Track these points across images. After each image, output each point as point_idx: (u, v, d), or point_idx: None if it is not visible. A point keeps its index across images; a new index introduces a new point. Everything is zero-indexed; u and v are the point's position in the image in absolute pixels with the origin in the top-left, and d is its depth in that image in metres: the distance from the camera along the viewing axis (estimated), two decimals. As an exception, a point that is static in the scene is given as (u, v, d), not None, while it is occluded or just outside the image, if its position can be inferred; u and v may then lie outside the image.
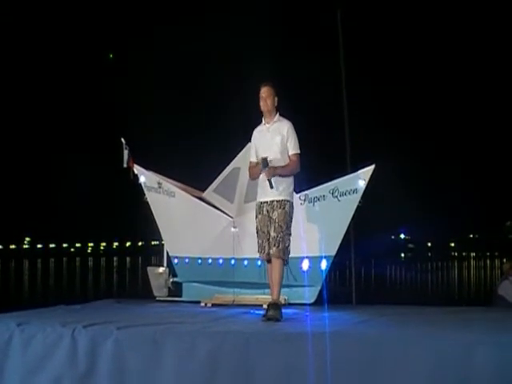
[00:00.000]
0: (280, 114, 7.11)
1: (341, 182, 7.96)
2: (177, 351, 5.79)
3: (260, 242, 6.98)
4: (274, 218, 6.85)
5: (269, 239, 6.85)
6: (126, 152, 8.89)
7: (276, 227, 6.82)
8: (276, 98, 7.05)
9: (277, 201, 6.88)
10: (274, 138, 6.97)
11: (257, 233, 7.03)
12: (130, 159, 8.92)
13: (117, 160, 8.95)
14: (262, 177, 6.97)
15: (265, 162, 6.86)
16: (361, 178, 7.85)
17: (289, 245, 6.88)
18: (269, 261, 6.96)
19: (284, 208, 6.87)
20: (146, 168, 9.09)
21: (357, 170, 7.97)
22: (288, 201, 6.92)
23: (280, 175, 6.88)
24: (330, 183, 8.00)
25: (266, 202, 6.94)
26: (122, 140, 8.90)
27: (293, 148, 6.98)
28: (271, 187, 6.83)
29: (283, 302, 7.95)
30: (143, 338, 5.92)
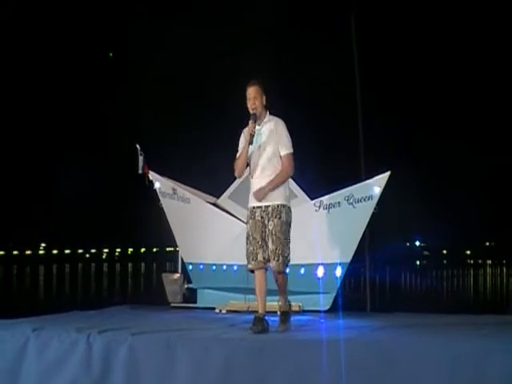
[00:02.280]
0: (270, 113, 6.73)
1: (356, 189, 7.94)
2: (191, 358, 5.79)
3: (251, 249, 6.57)
4: (271, 228, 6.49)
5: (263, 246, 6.52)
6: (140, 158, 8.92)
7: (274, 240, 6.47)
8: (265, 97, 6.67)
9: (272, 207, 6.53)
10: (265, 141, 6.59)
11: (247, 239, 6.64)
12: (144, 165, 8.95)
13: (132, 165, 8.98)
14: (253, 180, 6.66)
15: (254, 115, 6.56)
16: (376, 185, 7.83)
17: (288, 254, 6.56)
18: (252, 271, 6.63)
19: (280, 217, 6.50)
20: (161, 174, 9.11)
21: (372, 176, 7.96)
22: (284, 206, 6.55)
23: (274, 188, 6.53)
24: (345, 190, 7.98)
25: (260, 208, 6.56)
26: (137, 146, 8.93)
27: (285, 147, 6.57)
28: (251, 143, 6.47)
29: (298, 308, 7.94)
30: (157, 344, 5.92)
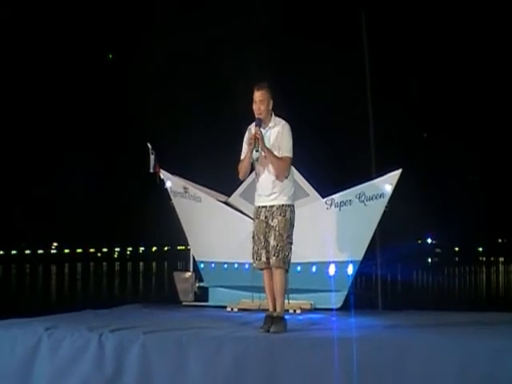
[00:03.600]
0: (276, 115, 6.68)
1: (367, 187, 7.92)
2: (203, 356, 5.80)
3: (255, 248, 6.60)
4: (274, 225, 6.48)
5: (266, 247, 6.51)
6: (152, 157, 8.93)
7: (276, 236, 6.45)
8: (271, 102, 6.61)
9: (276, 207, 6.52)
10: (270, 145, 6.53)
11: (252, 238, 6.67)
12: (156, 164, 8.96)
13: (144, 164, 9.00)
14: (259, 180, 6.65)
15: (259, 120, 6.52)
16: (387, 183, 7.81)
17: (289, 253, 6.50)
18: (262, 269, 6.61)
19: (284, 215, 6.49)
20: (172, 173, 9.13)
21: (383, 174, 7.94)
22: (289, 205, 6.54)
23: (271, 160, 6.45)
24: (356, 188, 7.97)
25: (265, 207, 6.56)
26: (149, 145, 8.94)
27: (283, 150, 6.52)
28: (257, 150, 6.43)
29: (309, 307, 7.94)
30: (169, 343, 5.93)
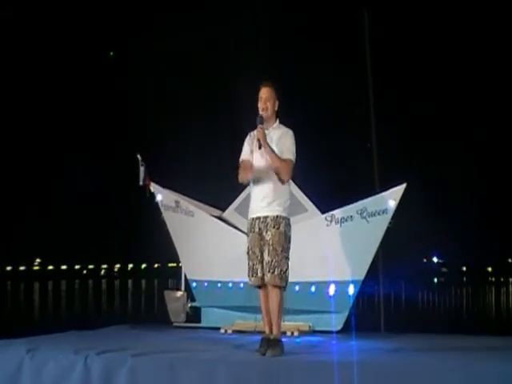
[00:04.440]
0: (280, 122, 6.72)
1: (369, 202, 7.94)
2: (195, 381, 5.79)
3: (250, 264, 6.55)
4: (268, 239, 6.43)
5: (262, 262, 6.48)
6: (142, 169, 8.95)
7: (270, 250, 6.40)
8: (277, 102, 6.67)
9: (271, 218, 6.47)
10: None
11: (247, 254, 6.61)
12: (146, 177, 8.98)
13: (132, 176, 9.02)
14: (254, 190, 6.65)
15: (261, 118, 6.54)
16: (391, 198, 7.83)
17: (287, 269, 6.45)
18: (259, 286, 6.57)
19: (279, 227, 6.45)
20: (163, 186, 9.14)
21: (386, 189, 7.96)
22: (284, 218, 6.49)
23: (272, 160, 6.43)
24: (358, 203, 7.99)
25: (259, 219, 6.52)
26: (138, 156, 8.96)
27: (287, 153, 6.51)
28: (259, 148, 6.42)
29: (308, 329, 7.94)
30: (160, 367, 5.93)
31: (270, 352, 6.24)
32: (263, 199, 6.56)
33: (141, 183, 8.97)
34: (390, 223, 7.81)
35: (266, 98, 6.63)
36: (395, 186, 7.87)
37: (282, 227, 6.48)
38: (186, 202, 9.02)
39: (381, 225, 7.83)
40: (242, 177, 6.71)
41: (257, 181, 6.64)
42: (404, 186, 7.82)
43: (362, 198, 8.02)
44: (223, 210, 9.04)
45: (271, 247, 6.43)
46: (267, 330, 6.51)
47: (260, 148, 6.46)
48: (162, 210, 9.06)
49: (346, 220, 7.96)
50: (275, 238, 6.44)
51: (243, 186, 8.54)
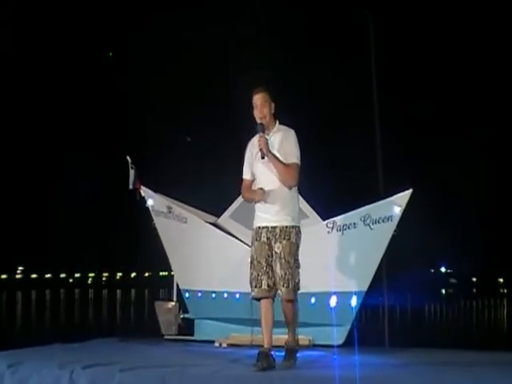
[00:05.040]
0: (280, 123, 6.73)
1: (373, 209, 7.96)
2: (187, 397, 5.79)
3: (255, 274, 6.55)
4: (278, 251, 6.47)
5: (268, 272, 6.49)
6: (132, 172, 8.95)
7: (283, 263, 6.43)
8: (273, 105, 6.67)
9: (280, 228, 6.51)
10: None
11: (251, 263, 6.60)
12: (136, 180, 8.98)
13: (121, 180, 9.02)
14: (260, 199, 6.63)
15: (261, 126, 6.55)
16: (396, 204, 7.84)
17: (299, 280, 6.53)
18: (258, 299, 6.59)
19: (289, 238, 6.49)
20: (155, 190, 9.15)
21: (391, 194, 7.97)
22: (293, 227, 6.54)
23: (276, 167, 6.46)
24: (361, 209, 8.00)
25: (266, 228, 6.55)
26: (128, 158, 8.97)
27: (292, 156, 6.54)
28: (262, 157, 6.45)
29: (307, 343, 7.94)
30: (150, 382, 5.92)
31: (285, 363, 6.39)
32: (270, 208, 6.59)
33: (131, 187, 8.98)
34: (395, 231, 7.82)
35: (261, 105, 6.65)
36: (401, 191, 7.88)
37: (292, 237, 6.53)
38: (179, 208, 9.02)
39: (385, 232, 7.84)
40: (246, 199, 6.93)
41: (262, 186, 6.64)
42: (410, 191, 7.83)
43: (365, 204, 8.03)
44: (218, 216, 9.05)
45: (283, 260, 6.47)
46: (266, 344, 6.51)
47: (263, 158, 6.50)
48: (154, 215, 9.06)
49: (349, 227, 7.97)
50: (286, 249, 6.49)
51: (238, 191, 8.57)
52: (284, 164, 6.51)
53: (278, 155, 6.54)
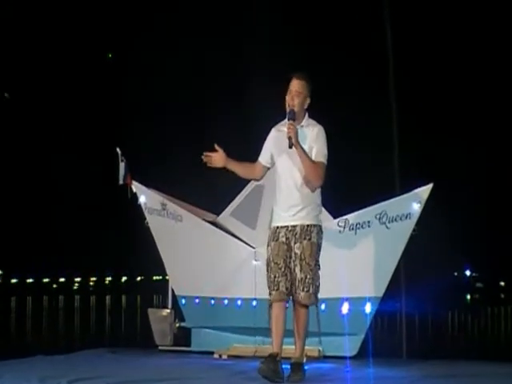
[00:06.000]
0: (309, 117, 6.79)
1: (390, 205, 7.97)
2: (183, 414, 5.82)
3: (272, 276, 6.57)
4: (299, 252, 6.53)
5: (287, 274, 6.52)
6: (122, 165, 8.95)
7: (303, 266, 6.50)
8: (308, 100, 6.71)
9: (300, 227, 6.58)
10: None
11: (267, 265, 6.64)
12: (127, 174, 8.98)
13: (111, 175, 9.03)
14: (280, 196, 6.71)
15: (292, 113, 6.56)
16: (415, 200, 7.85)
17: (319, 283, 6.60)
18: (270, 303, 6.59)
19: (310, 238, 6.54)
20: (148, 185, 9.15)
21: (410, 189, 7.98)
22: (315, 225, 6.62)
23: (304, 163, 6.48)
24: (376, 206, 8.02)
25: (286, 228, 6.60)
26: (118, 150, 8.98)
27: (320, 155, 6.61)
28: (290, 147, 6.44)
29: (317, 354, 7.96)
30: (142, 398, 5.95)
31: (293, 377, 6.42)
32: (291, 207, 6.63)
33: (121, 182, 8.99)
34: (414, 230, 7.83)
35: (295, 93, 6.67)
36: (420, 185, 7.89)
37: (313, 237, 6.59)
38: (174, 205, 9.03)
39: (403, 232, 7.85)
40: (247, 173, 7.00)
41: (282, 183, 6.70)
42: (430, 186, 7.84)
43: (381, 201, 8.04)
44: (217, 213, 9.05)
45: (303, 262, 6.53)
46: (275, 348, 6.51)
47: (291, 147, 6.50)
48: (146, 213, 9.08)
49: (362, 226, 7.99)
50: (307, 251, 6.55)
51: (241, 187, 8.58)
52: (312, 161, 6.54)
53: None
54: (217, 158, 6.76)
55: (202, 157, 6.76)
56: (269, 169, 6.89)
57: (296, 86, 6.68)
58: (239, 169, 6.90)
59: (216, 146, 6.71)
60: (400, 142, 8.82)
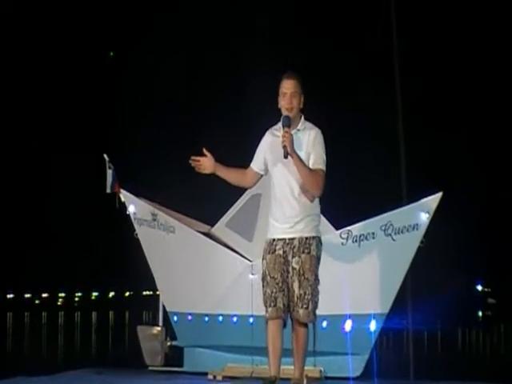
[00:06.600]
0: (305, 119, 6.69)
1: (396, 216, 7.97)
2: None
3: (268, 291, 6.49)
4: (297, 267, 6.44)
5: (284, 289, 6.46)
6: (109, 172, 8.95)
7: (302, 281, 6.42)
8: (303, 98, 6.63)
9: (298, 240, 6.50)
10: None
11: (263, 280, 6.55)
12: (115, 182, 8.98)
13: (98, 183, 9.04)
14: (276, 207, 6.65)
15: (287, 119, 6.47)
16: (423, 210, 7.86)
17: (318, 299, 6.53)
18: (267, 320, 6.52)
19: (309, 251, 6.48)
20: (137, 194, 9.15)
21: (417, 199, 7.98)
22: (314, 237, 6.53)
23: (301, 172, 6.41)
24: (381, 216, 8.02)
25: (283, 240, 6.51)
26: (105, 157, 8.98)
27: (317, 161, 6.52)
28: (285, 157, 6.36)
29: (318, 375, 7.95)
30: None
31: None
32: (288, 219, 6.57)
33: (108, 190, 8.98)
34: (421, 242, 7.84)
35: (291, 94, 6.61)
36: (428, 195, 7.89)
37: (312, 250, 6.52)
38: (166, 215, 9.02)
39: (410, 244, 7.85)
40: (238, 180, 6.88)
41: (278, 193, 6.64)
42: (440, 195, 7.84)
43: (386, 210, 8.05)
44: (212, 224, 9.06)
45: (302, 277, 6.47)
46: (272, 371, 6.48)
47: (286, 157, 6.45)
48: (136, 224, 9.07)
49: (367, 238, 7.99)
50: (306, 265, 6.48)
51: (236, 197, 8.60)
52: (309, 169, 6.49)
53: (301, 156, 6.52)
54: (205, 163, 6.71)
55: (190, 161, 6.71)
56: (262, 176, 6.84)
57: (290, 86, 6.62)
58: (229, 175, 6.85)
59: (204, 151, 6.67)
60: (407, 147, 8.81)
